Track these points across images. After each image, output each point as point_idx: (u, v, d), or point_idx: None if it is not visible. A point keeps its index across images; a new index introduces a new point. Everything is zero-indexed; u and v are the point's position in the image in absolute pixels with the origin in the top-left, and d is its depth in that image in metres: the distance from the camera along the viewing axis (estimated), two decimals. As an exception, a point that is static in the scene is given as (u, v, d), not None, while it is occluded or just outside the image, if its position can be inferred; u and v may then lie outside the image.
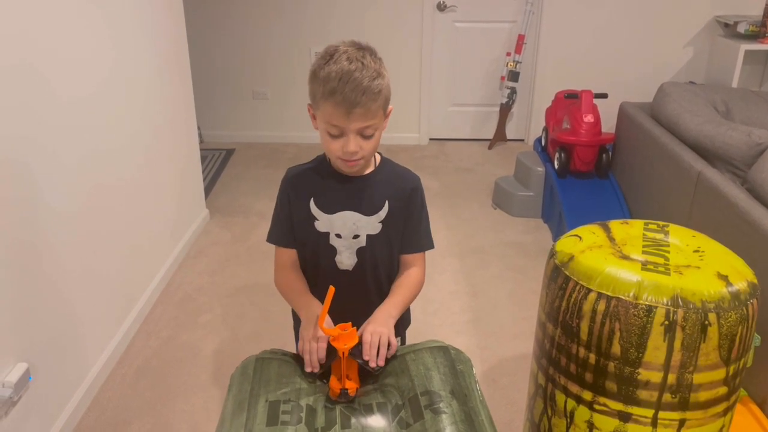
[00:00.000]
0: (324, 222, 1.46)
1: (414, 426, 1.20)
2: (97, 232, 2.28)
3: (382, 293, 1.51)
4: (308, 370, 1.33)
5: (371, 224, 1.46)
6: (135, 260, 2.62)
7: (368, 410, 1.24)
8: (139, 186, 2.66)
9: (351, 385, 1.29)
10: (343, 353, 1.27)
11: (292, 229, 1.50)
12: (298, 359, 1.39)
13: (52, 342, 1.98)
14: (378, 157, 1.50)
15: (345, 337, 1.27)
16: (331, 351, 1.31)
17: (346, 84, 1.25)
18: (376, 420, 1.23)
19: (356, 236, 1.46)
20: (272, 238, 1.54)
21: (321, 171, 1.48)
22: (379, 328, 1.34)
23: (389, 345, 1.34)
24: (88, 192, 2.20)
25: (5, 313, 1.74)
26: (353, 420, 1.22)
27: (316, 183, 1.47)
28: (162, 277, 2.88)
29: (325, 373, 1.34)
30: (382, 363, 1.32)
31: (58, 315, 2.02)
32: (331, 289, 1.25)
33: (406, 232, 1.51)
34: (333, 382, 1.29)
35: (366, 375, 1.34)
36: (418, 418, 1.21)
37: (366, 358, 1.30)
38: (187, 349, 2.50)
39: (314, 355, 1.32)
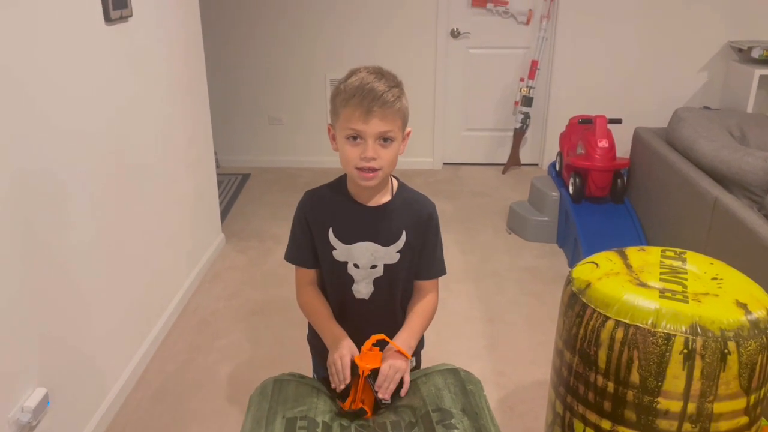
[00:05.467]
0: (342, 252, 1.48)
1: None
2: (115, 257, 2.30)
3: (396, 320, 1.55)
4: (333, 386, 1.39)
5: (389, 254, 1.48)
6: (152, 285, 2.65)
7: (382, 428, 1.28)
8: (157, 210, 2.70)
9: (365, 409, 1.35)
10: (363, 371, 1.34)
11: (309, 248, 1.53)
12: (315, 382, 1.44)
13: (70, 367, 1.99)
14: (395, 184, 1.52)
15: (370, 357, 1.35)
16: (353, 368, 1.38)
17: (365, 89, 1.33)
18: None
19: (374, 266, 1.48)
20: (289, 256, 1.56)
21: (339, 197, 1.50)
22: (398, 362, 1.39)
23: (402, 381, 1.40)
24: (106, 217, 2.23)
25: (25, 339, 1.76)
26: None
27: (334, 211, 1.49)
28: (179, 301, 2.90)
29: (343, 393, 1.39)
30: (388, 396, 1.36)
31: (77, 340, 2.04)
32: (374, 337, 1.39)
33: (422, 258, 1.53)
34: (348, 401, 1.35)
35: (379, 405, 1.39)
36: None
37: (377, 388, 1.36)
38: (203, 374, 2.50)
39: (340, 373, 1.38)
